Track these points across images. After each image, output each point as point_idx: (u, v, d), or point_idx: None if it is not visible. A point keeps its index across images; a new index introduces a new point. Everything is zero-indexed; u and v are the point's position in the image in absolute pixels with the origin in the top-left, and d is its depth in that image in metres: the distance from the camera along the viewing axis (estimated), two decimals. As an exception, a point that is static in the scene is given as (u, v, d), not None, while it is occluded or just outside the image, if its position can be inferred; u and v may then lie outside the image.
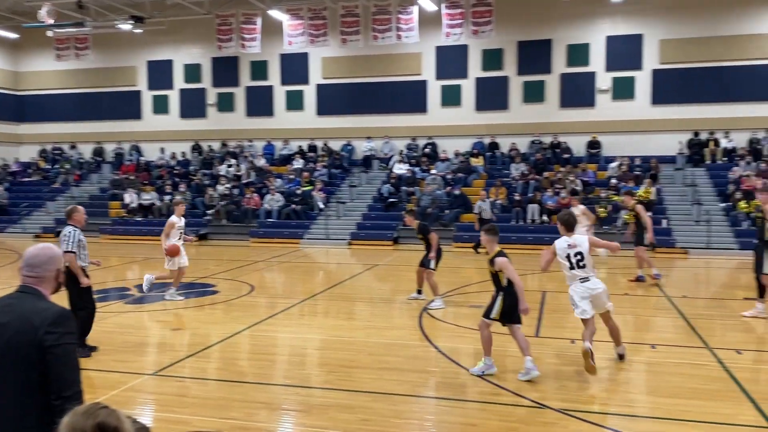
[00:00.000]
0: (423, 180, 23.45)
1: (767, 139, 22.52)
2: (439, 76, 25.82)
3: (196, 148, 28.14)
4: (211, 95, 28.27)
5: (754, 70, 22.71)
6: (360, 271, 15.82)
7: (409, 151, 25.79)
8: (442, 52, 25.48)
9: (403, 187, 23.37)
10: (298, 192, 23.48)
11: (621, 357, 7.65)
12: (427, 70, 25.96)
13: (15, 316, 3.05)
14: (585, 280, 7.13)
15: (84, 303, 7.98)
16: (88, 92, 29.27)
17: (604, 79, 24.21)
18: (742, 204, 19.46)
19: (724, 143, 22.95)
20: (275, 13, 23.65)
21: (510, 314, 6.98)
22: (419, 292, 11.39)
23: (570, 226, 7.29)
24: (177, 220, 11.43)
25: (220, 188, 24.26)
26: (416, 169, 24.35)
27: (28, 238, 23.01)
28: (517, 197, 21.48)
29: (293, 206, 22.89)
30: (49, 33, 24.94)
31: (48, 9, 22.08)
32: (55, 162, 29.07)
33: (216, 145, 28.13)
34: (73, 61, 27.00)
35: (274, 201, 23.17)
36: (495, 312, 7.02)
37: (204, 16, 24.80)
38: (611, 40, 24.06)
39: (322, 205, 23.14)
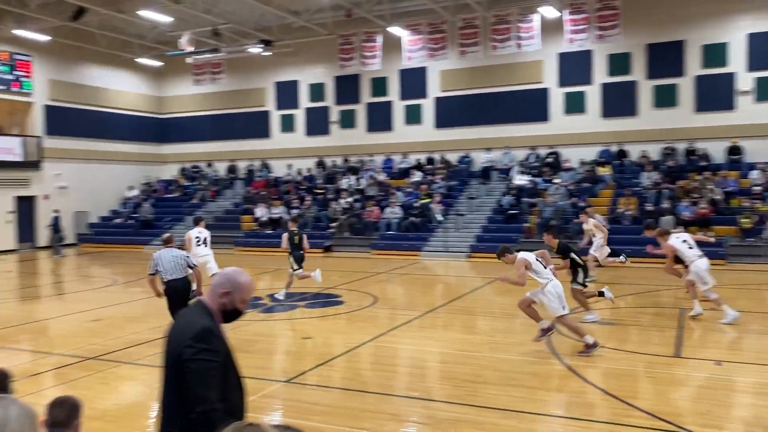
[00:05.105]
0: (545, 191, 22.81)
1: None
2: (562, 83, 25.08)
3: (320, 164, 29.20)
4: (334, 113, 29.24)
5: None
6: (480, 284, 15.62)
7: (529, 161, 25.21)
8: (564, 58, 24.75)
9: (525, 199, 22.86)
10: (417, 204, 23.65)
11: None
12: (549, 78, 25.30)
13: (177, 327, 3.25)
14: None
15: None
16: (222, 113, 31.29)
17: (745, 80, 22.41)
18: None
19: None
20: (395, 30, 24.09)
21: None
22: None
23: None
24: (197, 233, 12.81)
25: (343, 202, 24.97)
26: (538, 179, 23.73)
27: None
28: (649, 207, 20.33)
29: (411, 219, 23.08)
30: (189, 60, 26.99)
31: (188, 37, 24.02)
32: (193, 179, 31.26)
33: (339, 161, 29.03)
34: (209, 85, 29.25)
35: (393, 213, 23.49)
36: None
37: (327, 37, 25.75)
38: (754, 38, 22.24)
39: (440, 218, 23.13)
